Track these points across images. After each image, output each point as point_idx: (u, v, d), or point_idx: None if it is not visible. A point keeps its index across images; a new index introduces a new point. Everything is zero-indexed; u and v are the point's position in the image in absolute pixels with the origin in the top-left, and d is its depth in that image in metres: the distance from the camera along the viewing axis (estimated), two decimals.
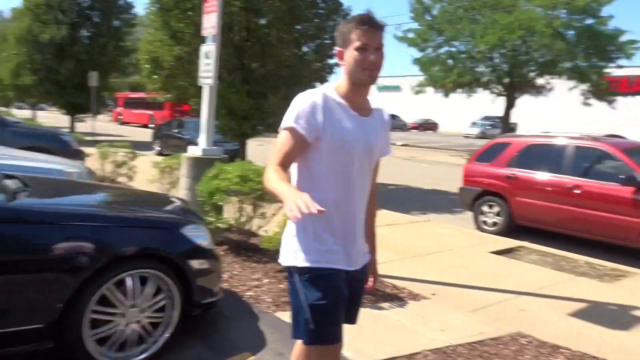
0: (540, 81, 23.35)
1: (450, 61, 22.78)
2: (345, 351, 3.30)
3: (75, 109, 21.07)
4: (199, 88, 10.28)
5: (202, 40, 9.66)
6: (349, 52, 1.92)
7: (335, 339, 1.97)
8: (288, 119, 1.91)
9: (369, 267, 2.19)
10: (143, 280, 2.98)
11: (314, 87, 11.45)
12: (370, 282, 2.22)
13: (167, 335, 3.08)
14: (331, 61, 11.47)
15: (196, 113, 11.88)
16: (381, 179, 10.21)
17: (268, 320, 3.69)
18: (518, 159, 7.68)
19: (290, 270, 1.99)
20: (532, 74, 22.44)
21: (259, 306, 3.94)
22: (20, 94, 19.82)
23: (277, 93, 10.29)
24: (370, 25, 1.89)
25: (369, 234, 2.20)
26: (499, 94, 23.48)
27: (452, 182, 13.00)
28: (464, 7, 22.78)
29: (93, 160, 8.57)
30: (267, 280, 4.49)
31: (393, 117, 46.39)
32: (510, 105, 22.90)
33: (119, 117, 36.46)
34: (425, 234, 7.05)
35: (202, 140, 5.85)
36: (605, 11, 21.02)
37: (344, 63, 1.95)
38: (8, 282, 2.57)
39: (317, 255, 1.92)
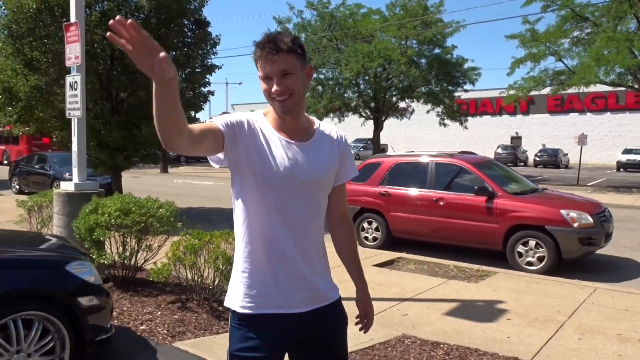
0: (402, 104, 25.52)
1: (319, 87, 23.91)
2: None
3: None
4: (63, 119, 9.77)
5: (62, 68, 9.25)
6: (261, 82, 1.72)
7: None
8: (216, 119, 1.72)
9: (357, 302, 1.97)
10: (28, 323, 2.78)
11: (189, 115, 11.36)
12: (363, 321, 1.98)
13: None
14: (204, 89, 11.49)
15: (61, 146, 11.13)
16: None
17: (165, 351, 3.63)
18: (389, 177, 8.34)
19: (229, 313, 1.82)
20: (394, 98, 24.45)
21: (154, 339, 3.84)
22: None
23: (150, 123, 9.99)
24: (271, 50, 1.64)
25: (352, 266, 1.98)
26: (367, 118, 25.12)
27: None
28: (327, 37, 24.23)
29: None
30: (160, 312, 4.37)
31: None
32: (378, 127, 24.61)
33: None
34: None
35: (75, 174, 5.54)
36: (449, 42, 23.86)
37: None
38: None
39: (241, 298, 1.73)
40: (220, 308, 4.56)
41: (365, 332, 1.98)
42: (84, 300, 3.05)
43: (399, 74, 22.36)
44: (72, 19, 5.40)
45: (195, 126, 1.58)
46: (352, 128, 40.02)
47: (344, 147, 1.87)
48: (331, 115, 24.98)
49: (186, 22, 11.31)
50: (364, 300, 1.96)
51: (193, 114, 11.45)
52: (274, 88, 1.65)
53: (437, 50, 23.93)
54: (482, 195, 7.21)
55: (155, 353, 3.59)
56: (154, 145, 10.36)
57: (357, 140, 43.77)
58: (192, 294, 4.65)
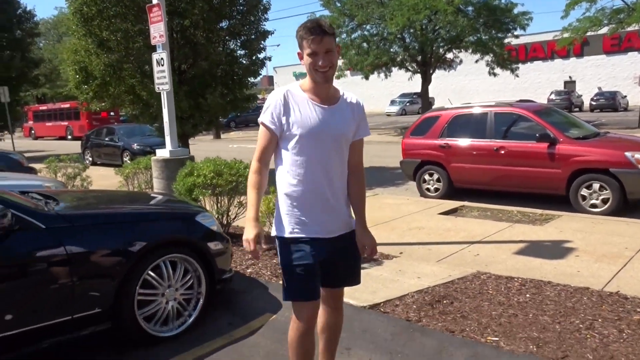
0: (449, 56, 25.06)
1: (365, 44, 23.79)
2: (347, 299, 3.92)
3: None
4: (134, 94, 10.46)
5: (128, 46, 9.83)
6: (305, 57, 2.21)
7: (303, 296, 2.28)
8: (261, 114, 2.28)
9: (357, 236, 2.36)
10: (173, 264, 3.40)
11: (248, 82, 11.84)
12: (364, 249, 2.38)
13: (199, 307, 3.53)
14: (260, 56, 11.86)
15: (133, 119, 11.93)
16: None
17: (274, 287, 4.23)
18: (448, 129, 8.59)
19: (276, 239, 2.36)
20: (441, 50, 24.04)
21: (262, 279, 4.45)
22: None
23: (214, 91, 10.57)
24: (317, 34, 2.15)
25: (358, 205, 2.41)
26: (414, 72, 24.89)
27: (387, 159, 13.97)
28: None
29: (44, 175, 8.47)
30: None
31: None
32: (426, 80, 24.39)
33: (30, 131, 34.43)
34: (379, 206, 7.78)
35: (168, 142, 6.14)
36: None
37: (304, 64, 2.23)
38: (72, 277, 2.92)
39: (289, 227, 2.25)
40: None
41: (369, 256, 2.43)
42: (212, 245, 3.64)
43: (445, 24, 21.93)
44: (154, 0, 5.88)
45: (265, 156, 2.28)
46: (398, 83, 39.67)
47: (361, 111, 2.38)
48: (377, 71, 24.89)
49: None
50: (361, 233, 2.37)
51: (252, 80, 11.89)
52: (321, 62, 2.17)
53: None
54: (544, 142, 7.38)
55: (267, 289, 4.21)
56: (218, 112, 10.95)
57: (403, 95, 43.31)
58: None
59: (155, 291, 3.33)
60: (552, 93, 35.65)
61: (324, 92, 2.27)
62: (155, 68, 6.03)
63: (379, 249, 5.43)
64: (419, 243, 5.76)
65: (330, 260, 2.31)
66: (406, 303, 3.88)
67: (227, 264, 3.86)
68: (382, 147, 17.79)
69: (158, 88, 6.08)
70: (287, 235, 2.26)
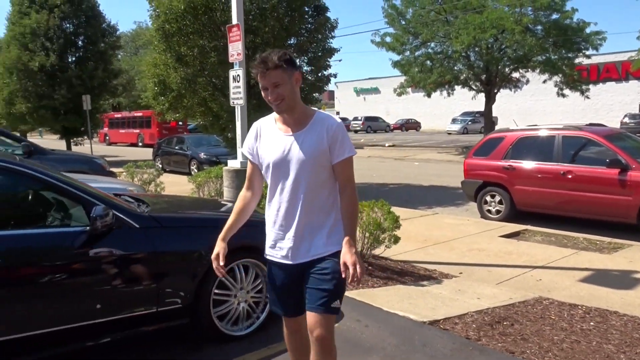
0: (515, 75, 24.51)
1: (428, 62, 23.73)
2: (407, 314, 4.04)
3: (70, 133, 21.43)
4: (205, 106, 11.03)
5: (203, 61, 10.41)
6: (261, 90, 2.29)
7: (279, 309, 2.49)
8: (243, 146, 2.52)
9: (341, 254, 2.23)
10: (246, 268, 3.67)
11: (312, 98, 12.19)
12: (344, 269, 2.20)
13: (266, 311, 3.78)
14: (326, 72, 12.18)
15: (204, 130, 12.55)
16: (380, 179, 11.18)
17: None
18: (513, 151, 8.50)
19: None
20: (507, 69, 23.57)
21: None
22: (13, 122, 20.08)
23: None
24: (262, 69, 2.19)
25: (345, 224, 2.30)
26: (478, 91, 24.53)
27: (447, 178, 13.90)
28: (435, 10, 23.84)
29: (122, 179, 9.12)
30: None
31: (375, 119, 47.40)
32: (490, 100, 23.97)
33: (105, 137, 36.67)
34: (438, 225, 7.80)
35: (239, 153, 6.50)
36: (569, 5, 22.33)
37: None
38: (159, 273, 3.24)
39: (266, 247, 2.47)
40: (370, 267, 5.26)
41: (350, 282, 2.21)
42: None
43: (513, 43, 21.50)
44: (234, 21, 6.30)
45: (252, 184, 2.49)
46: (460, 101, 39.06)
47: (333, 133, 2.27)
48: (439, 89, 24.72)
49: (306, 9, 12.04)
50: (344, 251, 2.24)
51: (316, 95, 12.23)
52: (270, 97, 2.23)
53: (555, 16, 22.58)
54: (615, 168, 7.17)
55: None
56: None
57: (465, 114, 42.60)
58: None
59: (228, 292, 3.60)
60: (625, 116, 33.92)
61: (289, 120, 2.31)
62: (232, 84, 6.42)
63: (438, 267, 5.55)
64: (479, 264, 5.76)
65: (306, 278, 2.34)
66: (466, 322, 3.95)
67: None
68: (442, 166, 17.67)
69: (233, 102, 6.46)
70: (264, 254, 2.49)
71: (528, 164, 8.20)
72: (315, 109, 2.38)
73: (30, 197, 3.52)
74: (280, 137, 2.30)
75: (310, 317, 2.29)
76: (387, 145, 28.30)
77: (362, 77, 60.62)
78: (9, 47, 20.87)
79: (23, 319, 2.82)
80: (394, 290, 4.71)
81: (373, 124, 46.28)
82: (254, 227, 3.87)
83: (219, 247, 2.41)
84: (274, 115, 2.37)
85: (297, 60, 12.14)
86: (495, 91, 24.18)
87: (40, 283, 2.89)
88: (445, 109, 45.87)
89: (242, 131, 6.43)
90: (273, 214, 2.38)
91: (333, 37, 12.33)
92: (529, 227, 7.65)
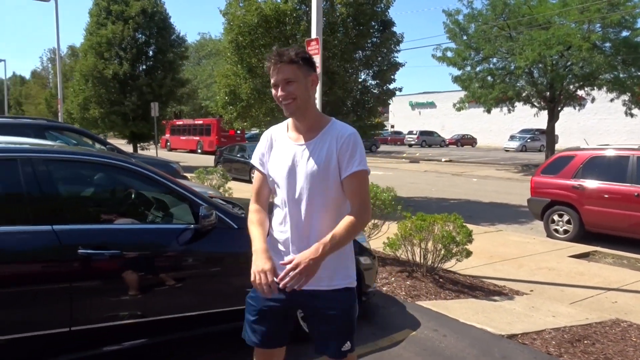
0: (580, 93, 23.77)
1: (489, 78, 23.40)
2: (484, 326, 4.09)
3: (137, 138, 22.55)
4: (273, 116, 11.40)
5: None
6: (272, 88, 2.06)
7: (251, 338, 2.12)
8: (252, 157, 2.22)
9: (303, 253, 1.94)
10: None
11: (376, 111, 12.35)
12: (292, 266, 1.89)
13: None
14: (391, 86, 12.31)
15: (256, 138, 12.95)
16: (439, 194, 11.12)
17: (411, 307, 4.53)
18: (583, 170, 8.31)
19: None
20: (572, 87, 22.89)
21: (398, 297, 4.77)
22: (86, 126, 21.32)
23: (346, 118, 11.19)
24: (276, 61, 1.98)
25: (334, 232, 1.97)
26: (540, 108, 23.94)
27: (508, 195, 13.67)
28: (498, 26, 23.51)
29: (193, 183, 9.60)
30: (393, 279, 5.31)
31: (431, 133, 46.97)
32: (552, 117, 23.33)
33: (167, 143, 38.19)
34: (504, 242, 7.74)
35: None
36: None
37: None
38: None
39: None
40: (441, 280, 5.33)
41: (281, 282, 1.90)
42: (362, 259, 4.03)
43: (579, 60, 20.89)
44: (313, 35, 6.58)
45: (262, 197, 2.17)
46: (521, 118, 38.21)
47: (342, 144, 2.00)
48: (500, 105, 24.29)
49: (373, 24, 12.25)
50: (302, 253, 1.93)
51: (380, 109, 12.39)
52: (279, 93, 2.00)
53: (625, 33, 21.78)
54: None
55: (405, 308, 4.51)
56: None
57: (524, 131, 41.47)
58: (415, 266, 5.49)
59: None
60: None
61: (301, 126, 2.08)
62: None
63: (507, 284, 5.53)
64: (550, 283, 5.70)
65: (306, 312, 2.12)
66: (544, 338, 3.96)
67: (373, 279, 4.22)
68: (502, 183, 17.35)
69: None
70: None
71: (599, 184, 8.00)
72: (332, 118, 2.14)
73: (135, 195, 3.84)
74: (289, 147, 2.08)
75: None
76: (443, 160, 28.01)
77: (417, 90, 60.15)
78: (86, 55, 22.25)
79: (132, 305, 3.09)
80: (467, 303, 4.77)
81: (428, 139, 45.84)
82: None
83: (270, 260, 1.96)
84: (287, 122, 2.16)
85: (362, 74, 12.39)
86: (559, 109, 23.51)
87: (148, 274, 3.16)
88: (502, 126, 44.89)
89: None
90: (278, 231, 2.10)
91: (398, 51, 12.48)
92: (598, 248, 7.46)
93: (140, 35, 22.42)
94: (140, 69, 22.63)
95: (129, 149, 21.01)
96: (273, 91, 2.03)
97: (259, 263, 1.93)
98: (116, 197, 3.73)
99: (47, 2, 19.59)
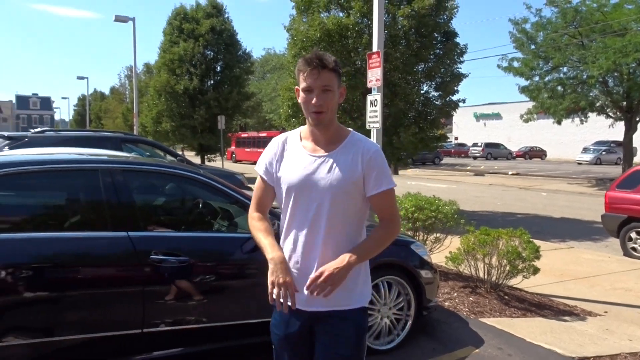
0: None
1: (559, 88, 22.43)
2: (553, 347, 3.92)
3: (204, 150, 23.45)
4: None
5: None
6: (300, 93, 1.92)
7: None
8: (257, 162, 2.07)
9: (330, 263, 1.86)
10: (389, 285, 3.83)
11: (439, 123, 12.17)
12: (317, 274, 1.83)
13: (407, 328, 3.90)
14: (454, 98, 12.09)
15: None
16: (505, 208, 10.70)
17: (474, 323, 4.41)
18: None
19: None
20: None
21: (460, 313, 4.65)
22: (159, 138, 22.41)
23: (407, 130, 11.10)
24: (315, 66, 1.84)
25: (360, 245, 1.94)
26: (616, 119, 22.64)
27: (580, 210, 12.99)
28: (569, 34, 22.52)
29: None
30: (456, 294, 5.19)
31: (496, 145, 45.55)
32: (630, 128, 21.98)
33: (232, 155, 39.42)
34: (575, 260, 7.36)
35: None
36: None
37: (299, 101, 1.93)
38: None
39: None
40: (506, 297, 5.15)
41: (310, 291, 1.81)
42: (423, 273, 3.99)
43: None
44: (375, 48, 6.62)
45: (263, 206, 2.05)
46: (594, 129, 36.30)
47: (369, 159, 1.91)
48: (572, 116, 23.19)
49: (436, 35, 12.12)
50: (329, 263, 1.85)
51: (442, 121, 12.20)
52: (314, 100, 1.86)
53: None
54: None
55: (467, 324, 4.40)
56: (409, 150, 11.46)
57: (598, 143, 39.34)
58: (478, 282, 5.34)
59: (373, 307, 3.78)
60: None
61: (321, 137, 1.95)
62: (369, 108, 6.72)
63: (579, 304, 5.25)
64: (627, 305, 5.35)
65: (317, 333, 1.96)
66: None
67: (434, 293, 4.16)
68: (574, 198, 16.51)
69: (369, 126, 6.75)
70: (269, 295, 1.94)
71: None
72: (351, 129, 2.03)
73: (202, 205, 4.02)
74: (305, 158, 1.95)
75: None
76: (510, 173, 27.03)
77: (482, 102, 58.57)
78: (159, 72, 23.48)
79: (198, 310, 3.22)
80: (534, 322, 4.57)
81: (494, 151, 44.44)
82: (398, 246, 4.07)
83: (290, 273, 1.86)
84: (300, 131, 2.03)
85: (425, 86, 12.26)
86: (638, 119, 22.12)
87: (214, 280, 3.28)
88: (574, 137, 42.81)
89: None
90: (289, 247, 1.95)
91: (462, 62, 12.26)
92: None
93: (209, 52, 23.38)
94: (209, 83, 23.57)
95: (197, 160, 21.96)
96: (303, 96, 1.89)
97: (280, 275, 1.81)
98: (185, 206, 3.91)
99: (126, 24, 20.89)
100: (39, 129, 8.52)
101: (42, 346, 2.81)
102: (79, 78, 43.21)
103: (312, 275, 1.82)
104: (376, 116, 6.61)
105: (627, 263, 7.34)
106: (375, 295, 3.79)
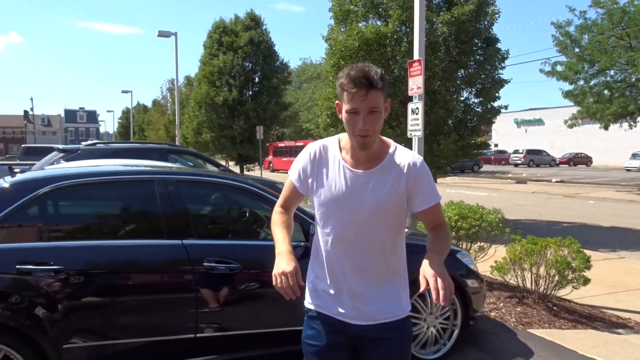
0: None
1: (606, 91, 21.72)
2: None
3: (244, 160, 23.82)
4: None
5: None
6: (343, 112, 1.81)
7: None
8: (291, 167, 2.02)
9: (422, 266, 1.73)
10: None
11: (480, 130, 11.98)
12: (424, 281, 1.70)
13: (453, 338, 3.87)
14: (495, 104, 11.89)
15: None
16: (549, 216, 10.42)
17: (523, 334, 4.33)
18: None
19: None
20: None
21: (507, 324, 4.57)
22: (199, 149, 22.90)
23: (447, 137, 10.99)
24: (361, 86, 1.71)
25: (432, 247, 1.86)
26: None
27: (631, 219, 12.52)
28: (616, 35, 21.79)
29: None
30: (502, 304, 5.10)
31: (539, 152, 44.37)
32: None
33: (269, 164, 39.89)
34: (627, 271, 7.09)
35: None
36: None
37: (341, 118, 1.85)
38: None
39: (311, 299, 1.99)
40: (555, 308, 5.02)
41: (436, 301, 1.65)
42: (470, 282, 3.95)
43: None
44: (416, 56, 6.62)
45: (289, 207, 2.01)
46: (634, 134, 34.83)
47: (416, 174, 1.85)
48: (620, 121, 22.40)
49: (476, 41, 11.97)
50: (424, 266, 1.71)
51: (483, 127, 12.01)
52: (361, 124, 1.74)
53: None
54: None
55: (515, 335, 4.32)
56: (449, 157, 11.34)
57: None
58: (525, 292, 5.22)
59: (419, 315, 3.78)
60: None
61: (363, 154, 1.86)
62: (410, 116, 6.71)
63: (632, 316, 5.06)
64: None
65: (364, 347, 1.95)
66: None
67: (480, 303, 4.11)
68: (623, 206, 15.89)
69: (410, 134, 6.73)
70: (306, 305, 2.02)
71: None
72: (391, 140, 1.95)
73: (249, 213, 4.10)
74: (346, 172, 1.87)
75: None
76: (554, 180, 26.26)
77: (522, 107, 57.20)
78: (199, 84, 24.06)
79: (247, 317, 3.29)
80: (585, 334, 4.44)
81: (536, 158, 43.28)
82: (448, 255, 4.04)
83: (293, 261, 1.78)
84: (339, 140, 1.94)
85: (465, 92, 12.11)
86: None
87: (263, 287, 3.33)
88: (621, 143, 41.29)
89: None
90: (331, 259, 1.92)
91: (503, 67, 12.05)
92: None
93: (247, 64, 23.78)
94: (247, 94, 23.99)
95: (236, 169, 22.34)
96: (348, 117, 1.77)
97: (281, 265, 1.75)
98: (233, 214, 4.01)
99: (168, 38, 21.56)
100: (90, 142, 8.89)
101: (101, 349, 2.94)
102: (123, 92, 44.58)
103: (432, 282, 1.65)
104: (418, 124, 6.59)
105: None
106: (422, 304, 3.78)
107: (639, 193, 20.07)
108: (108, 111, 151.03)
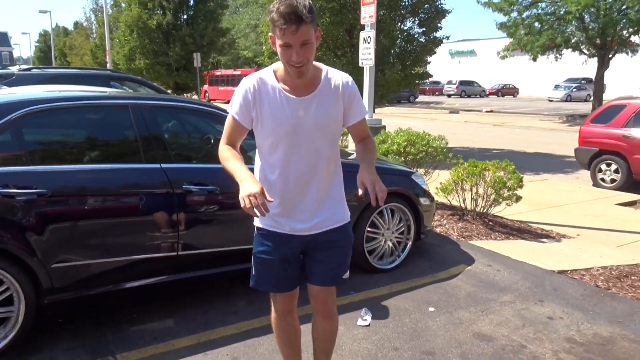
0: (634, 39, 22.69)
1: (537, 24, 22.58)
2: (536, 263, 4.41)
3: (180, 89, 23.07)
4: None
5: (320, 21, 10.79)
6: (277, 45, 1.88)
7: (272, 288, 2.22)
8: (230, 104, 2.06)
9: (359, 174, 1.93)
10: (392, 212, 4.21)
11: (423, 61, 12.29)
12: (362, 186, 1.90)
13: (407, 250, 4.33)
14: (438, 34, 12.14)
15: None
16: (481, 144, 11.15)
17: (465, 245, 4.89)
18: (635, 120, 8.26)
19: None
20: (625, 33, 21.87)
21: (451, 237, 5.12)
22: None
23: (392, 67, 11.24)
24: (291, 23, 1.78)
25: (362, 155, 2.08)
26: (590, 55, 23.07)
27: (552, 146, 13.60)
28: None
29: None
30: (445, 221, 5.64)
31: (470, 83, 45.83)
32: (602, 65, 22.49)
33: (205, 94, 38.74)
34: (550, 191, 7.90)
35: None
36: None
37: (276, 50, 1.91)
38: None
39: (265, 220, 2.12)
40: (490, 223, 5.62)
41: (374, 203, 1.87)
42: (422, 200, 4.37)
43: (636, 4, 19.89)
44: None
45: (234, 143, 2.06)
46: (566, 66, 36.75)
47: (349, 92, 2.04)
48: (547, 53, 23.51)
49: None
50: (361, 172, 1.92)
51: (427, 59, 12.32)
52: (295, 57, 1.84)
53: None
54: None
55: (459, 246, 4.87)
56: (392, 87, 11.65)
57: (569, 80, 40.02)
58: (465, 210, 5.78)
59: (377, 231, 4.17)
60: None
61: (299, 82, 1.98)
62: (362, 45, 6.86)
63: (554, 228, 5.78)
64: (597, 228, 5.91)
65: (312, 247, 2.17)
66: (592, 274, 4.25)
67: (430, 219, 4.57)
68: (546, 134, 17.15)
69: (362, 63, 6.92)
70: (256, 224, 2.18)
71: None
72: (321, 64, 2.07)
73: (214, 140, 4.20)
74: (289, 101, 1.99)
75: (320, 290, 2.22)
76: (484, 110, 27.59)
77: (456, 39, 58.08)
78: (129, 6, 22.54)
79: (228, 236, 3.50)
80: (517, 244, 5.07)
81: (468, 89, 44.82)
82: (402, 176, 4.41)
83: (258, 183, 1.82)
84: (272, 71, 2.03)
85: (408, 22, 12.25)
86: (610, 56, 22.60)
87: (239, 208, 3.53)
88: (546, 75, 43.38)
89: (369, 91, 6.88)
90: (281, 184, 2.07)
91: None
92: None
93: None
94: (182, 19, 22.84)
95: None
96: (281, 51, 1.86)
97: (247, 187, 1.79)
98: (208, 139, 4.11)
99: None
100: (24, 67, 8.37)
101: (89, 267, 3.08)
102: (41, 12, 40.91)
103: (369, 187, 1.86)
104: (369, 53, 6.76)
105: (596, 192, 7.93)
106: (380, 221, 4.16)
107: (560, 122, 21.61)
108: (23, 33, 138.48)
